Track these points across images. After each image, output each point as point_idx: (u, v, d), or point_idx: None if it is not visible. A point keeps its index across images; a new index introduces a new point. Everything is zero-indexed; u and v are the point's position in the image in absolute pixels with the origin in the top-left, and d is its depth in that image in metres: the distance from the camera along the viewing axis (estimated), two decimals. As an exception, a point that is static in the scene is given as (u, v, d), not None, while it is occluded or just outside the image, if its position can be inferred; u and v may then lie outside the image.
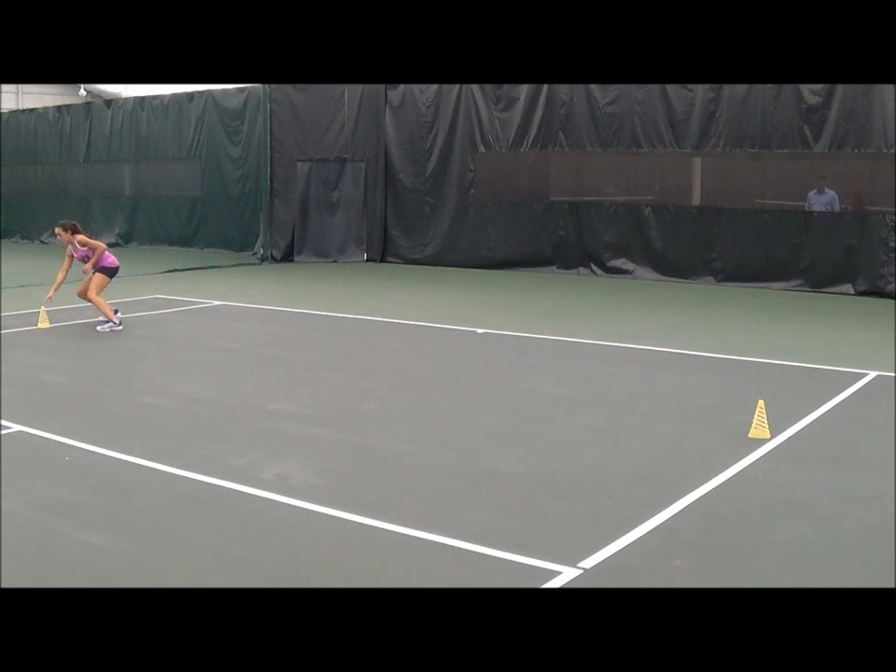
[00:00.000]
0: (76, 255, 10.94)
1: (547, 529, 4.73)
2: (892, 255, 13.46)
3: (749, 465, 5.70)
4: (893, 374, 8.04)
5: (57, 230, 11.03)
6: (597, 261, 16.15)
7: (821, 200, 14.26)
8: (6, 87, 31.49)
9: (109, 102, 23.48)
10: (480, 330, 10.53)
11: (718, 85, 14.41)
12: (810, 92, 13.95)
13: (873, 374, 8.10)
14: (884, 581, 4.04)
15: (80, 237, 10.88)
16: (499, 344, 9.94)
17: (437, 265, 17.53)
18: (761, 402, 6.31)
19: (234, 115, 20.08)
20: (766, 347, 9.45)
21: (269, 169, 18.91)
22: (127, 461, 5.78)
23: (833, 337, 10.56)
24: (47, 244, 23.86)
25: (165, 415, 6.94)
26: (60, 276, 10.95)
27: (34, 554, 4.42)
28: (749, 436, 6.22)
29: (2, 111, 26.64)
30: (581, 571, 4.16)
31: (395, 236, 18.45)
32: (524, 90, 16.55)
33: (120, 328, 10.57)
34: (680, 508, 4.97)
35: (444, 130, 17.62)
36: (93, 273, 10.88)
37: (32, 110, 25.74)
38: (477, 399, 7.49)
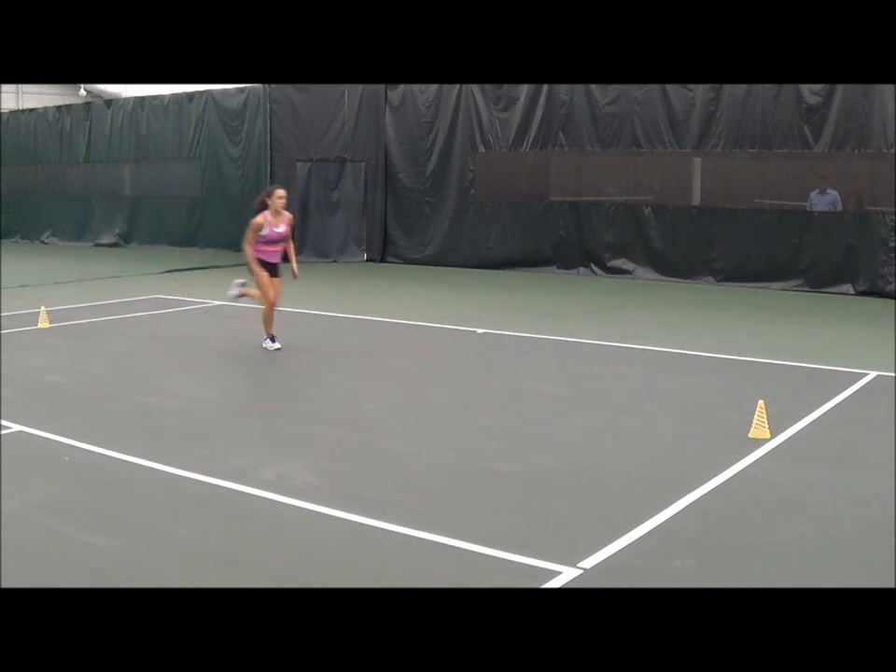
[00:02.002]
0: (279, 229, 9.22)
1: (547, 529, 4.73)
2: (892, 255, 13.46)
3: (749, 465, 5.70)
4: (893, 374, 8.04)
5: (284, 191, 9.32)
6: (597, 261, 16.15)
7: (824, 200, 14.25)
8: (6, 87, 31.49)
9: (109, 102, 23.48)
10: (480, 330, 10.53)
11: (718, 85, 14.41)
12: (810, 92, 13.95)
13: (873, 374, 8.10)
14: (884, 581, 4.04)
15: (285, 212, 9.39)
16: (499, 344, 9.94)
17: (437, 265, 17.53)
18: (761, 402, 6.31)
19: (234, 115, 20.07)
20: (766, 347, 9.45)
21: (269, 169, 18.91)
22: (127, 461, 5.78)
23: (833, 337, 10.56)
24: (47, 244, 23.88)
25: (165, 415, 6.94)
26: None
27: (34, 554, 4.42)
28: (749, 436, 6.22)
29: (2, 111, 26.64)
30: (581, 571, 4.16)
31: (395, 236, 18.45)
32: (524, 90, 16.55)
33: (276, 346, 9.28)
34: (680, 508, 4.97)
35: (444, 130, 17.62)
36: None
37: (32, 110, 25.74)
38: (477, 399, 7.49)
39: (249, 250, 9.14)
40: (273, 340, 9.27)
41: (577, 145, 16.29)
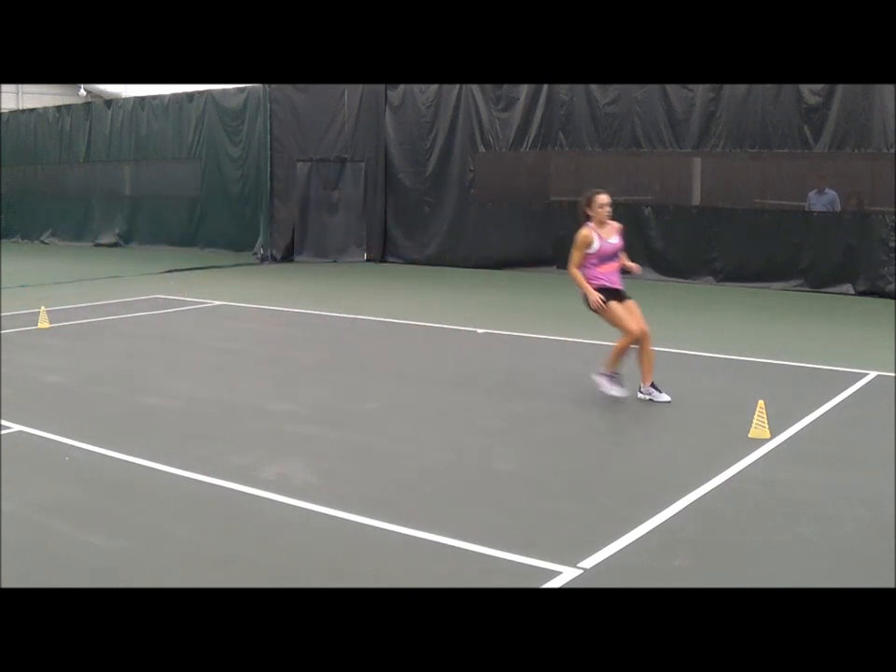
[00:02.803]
0: (613, 240, 7.19)
1: (547, 529, 4.73)
2: (892, 255, 13.46)
3: (749, 465, 5.70)
4: (893, 374, 8.04)
5: (606, 196, 7.16)
6: (597, 261, 16.13)
7: (822, 200, 14.26)
8: (6, 87, 31.48)
9: (109, 102, 23.50)
10: (480, 330, 10.53)
11: (718, 85, 14.41)
12: (810, 92, 13.95)
13: (873, 374, 8.10)
14: (884, 581, 4.04)
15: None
16: (499, 344, 9.94)
17: (437, 265, 17.53)
18: (761, 402, 6.31)
19: (234, 115, 20.09)
20: (766, 347, 9.45)
21: (269, 169, 18.91)
22: (127, 461, 5.78)
23: (833, 337, 10.56)
24: (47, 244, 23.88)
25: (165, 415, 6.94)
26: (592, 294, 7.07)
27: (34, 554, 4.42)
28: (749, 436, 6.21)
29: (2, 111, 26.65)
30: (581, 571, 4.16)
31: (395, 236, 18.45)
32: (524, 90, 16.55)
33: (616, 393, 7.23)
34: (680, 508, 4.97)
35: (444, 130, 17.62)
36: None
37: (32, 110, 25.75)
38: (476, 399, 7.49)
39: (578, 274, 7.12)
40: (613, 379, 7.23)
41: (577, 145, 16.29)
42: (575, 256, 7.12)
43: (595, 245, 7.07)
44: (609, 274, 7.17)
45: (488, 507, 5.03)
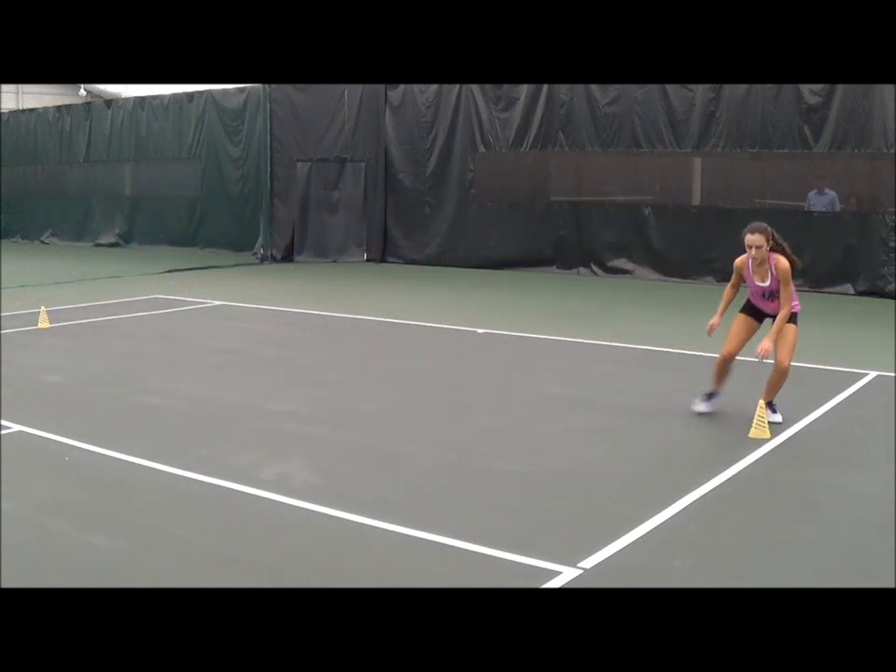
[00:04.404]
0: (760, 283, 6.63)
1: (547, 529, 4.73)
2: (892, 255, 13.46)
3: (749, 465, 5.70)
4: (893, 374, 8.04)
5: (757, 237, 6.43)
6: (597, 261, 16.15)
7: (822, 200, 14.25)
8: (6, 87, 31.47)
9: (109, 102, 23.49)
10: (480, 330, 10.53)
11: (718, 85, 14.42)
12: (810, 92, 13.95)
13: (873, 374, 8.10)
14: (884, 581, 4.04)
15: (782, 260, 6.51)
16: (499, 344, 9.94)
17: (437, 265, 17.53)
18: (761, 402, 6.32)
19: (234, 115, 20.08)
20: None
21: (269, 169, 18.91)
22: (127, 461, 5.78)
23: (833, 337, 10.55)
24: (47, 244, 23.88)
25: (165, 415, 6.94)
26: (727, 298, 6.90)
27: (34, 554, 4.42)
28: (749, 436, 6.22)
29: (2, 111, 26.64)
30: (581, 571, 4.16)
31: (395, 236, 18.45)
32: (524, 90, 16.55)
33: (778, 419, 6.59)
34: (680, 508, 4.97)
35: (444, 130, 17.62)
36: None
37: (32, 110, 25.74)
38: (477, 399, 7.49)
39: (725, 295, 6.91)
40: (708, 398, 6.93)
41: (577, 145, 16.29)
42: (733, 277, 6.84)
43: (744, 274, 6.73)
44: (757, 299, 6.81)
45: (488, 507, 5.03)
